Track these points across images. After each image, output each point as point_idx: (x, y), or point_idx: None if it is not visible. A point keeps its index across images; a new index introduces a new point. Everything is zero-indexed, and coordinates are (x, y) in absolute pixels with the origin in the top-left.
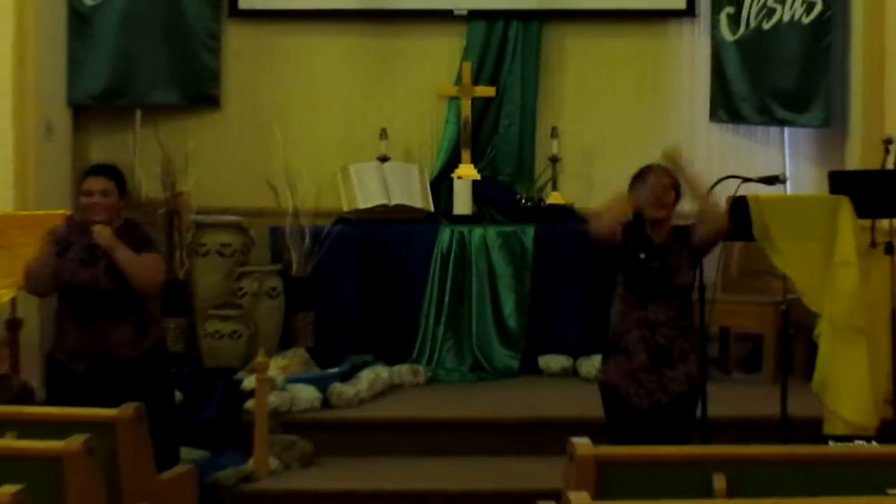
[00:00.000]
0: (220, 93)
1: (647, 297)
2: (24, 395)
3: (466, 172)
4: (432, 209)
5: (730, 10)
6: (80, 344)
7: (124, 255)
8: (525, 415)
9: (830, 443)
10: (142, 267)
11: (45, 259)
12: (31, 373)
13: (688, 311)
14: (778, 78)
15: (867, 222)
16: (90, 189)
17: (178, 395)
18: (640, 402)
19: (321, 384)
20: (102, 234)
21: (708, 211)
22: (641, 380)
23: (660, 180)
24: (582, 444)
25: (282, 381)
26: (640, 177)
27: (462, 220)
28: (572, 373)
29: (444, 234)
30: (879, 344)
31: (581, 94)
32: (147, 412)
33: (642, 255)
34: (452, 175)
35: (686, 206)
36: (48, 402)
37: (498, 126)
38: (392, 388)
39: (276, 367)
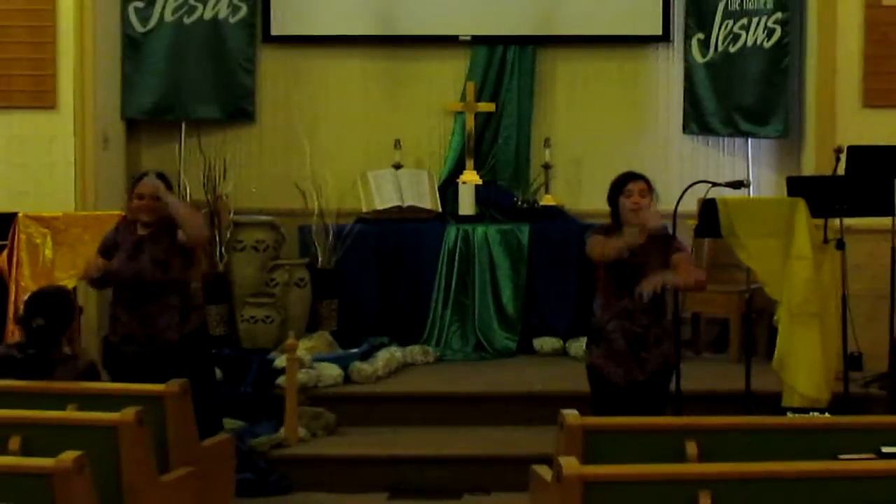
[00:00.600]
0: (255, 108)
1: (624, 289)
2: (90, 374)
3: (470, 178)
4: (440, 210)
5: (700, 35)
6: (130, 328)
7: (179, 206)
8: (521, 389)
9: (788, 414)
10: (193, 216)
11: (93, 266)
12: (90, 354)
13: (661, 301)
14: (742, 95)
15: (820, 221)
16: (142, 193)
17: (219, 373)
18: (618, 379)
19: (343, 363)
20: (159, 187)
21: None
22: (621, 362)
23: (637, 185)
24: (571, 415)
25: (309, 360)
26: (619, 185)
27: (466, 219)
28: (562, 353)
29: (451, 232)
30: (831, 328)
31: (571, 109)
32: (191, 387)
33: (626, 255)
34: (458, 180)
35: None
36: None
37: (498, 137)
38: (405, 367)
39: (304, 347)
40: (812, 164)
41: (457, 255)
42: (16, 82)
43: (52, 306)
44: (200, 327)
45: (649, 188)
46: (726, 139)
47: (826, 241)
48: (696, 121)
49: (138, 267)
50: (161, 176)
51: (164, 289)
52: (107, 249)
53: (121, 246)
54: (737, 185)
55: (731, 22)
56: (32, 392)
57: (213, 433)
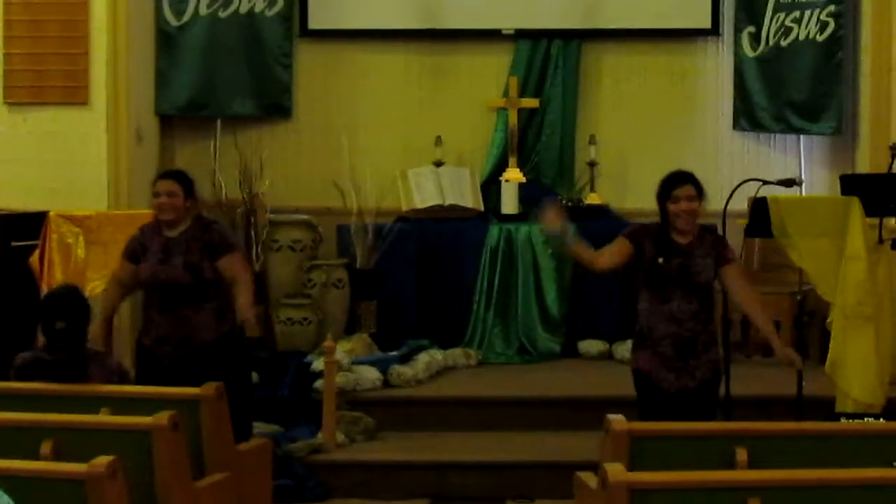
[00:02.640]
0: (292, 104)
1: (669, 293)
2: (123, 372)
3: (513, 176)
4: (482, 209)
5: (751, 29)
6: (165, 330)
7: (250, 297)
8: (566, 394)
9: (842, 419)
10: (248, 282)
11: (116, 278)
12: (122, 356)
13: (709, 305)
14: (794, 90)
15: (875, 220)
16: (158, 191)
17: (255, 376)
18: (668, 386)
19: (383, 366)
20: (248, 315)
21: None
22: (670, 367)
23: (685, 191)
24: (617, 420)
25: (347, 363)
26: (666, 188)
27: (509, 218)
28: (608, 356)
29: (493, 231)
30: (885, 330)
31: (616, 105)
32: (232, 389)
33: (660, 260)
34: (500, 178)
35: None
36: (137, 383)
37: (541, 134)
38: (446, 370)
39: (343, 350)
40: (867, 161)
41: (499, 255)
42: (48, 78)
43: (70, 306)
44: (235, 328)
45: (698, 191)
46: (778, 136)
47: (881, 241)
48: (747, 117)
49: (172, 272)
50: (181, 174)
51: (198, 290)
52: (133, 254)
53: (148, 248)
54: (788, 183)
55: (782, 15)
56: (64, 395)
57: (245, 437)
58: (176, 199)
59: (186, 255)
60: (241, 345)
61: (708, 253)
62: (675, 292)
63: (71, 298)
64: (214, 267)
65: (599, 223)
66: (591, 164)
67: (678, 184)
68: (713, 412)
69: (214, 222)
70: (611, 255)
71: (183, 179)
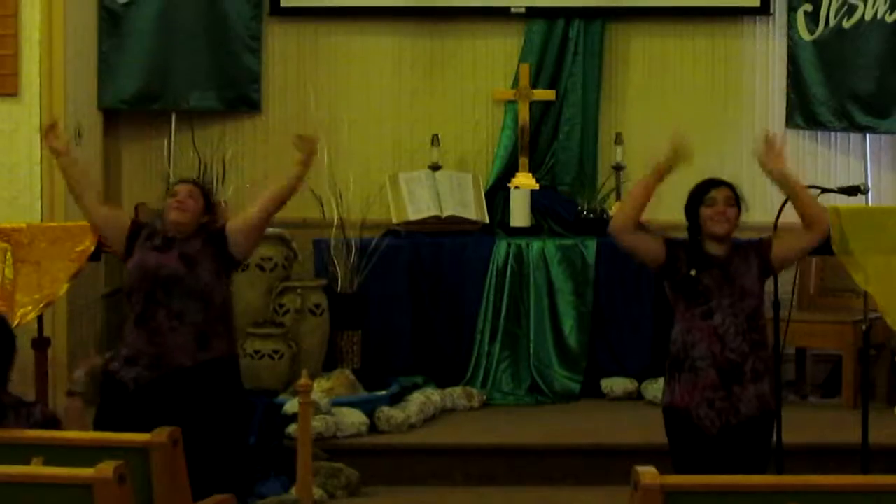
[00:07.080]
0: (260, 96)
1: (711, 307)
2: (48, 426)
3: (524, 182)
4: (487, 221)
5: (807, 7)
6: (136, 347)
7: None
8: (586, 441)
9: None
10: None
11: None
12: (60, 394)
13: (759, 325)
14: (859, 80)
15: None
16: (177, 191)
17: None
18: (710, 425)
19: (368, 408)
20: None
21: (809, 207)
22: (711, 399)
23: (722, 192)
24: (647, 472)
25: (326, 405)
26: (699, 192)
27: (519, 232)
28: (637, 396)
29: (500, 248)
30: None
31: (647, 98)
32: (208, 433)
33: (693, 272)
34: (509, 184)
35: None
36: (97, 421)
37: (558, 132)
38: (444, 413)
39: (321, 389)
40: None
41: (508, 275)
42: None
43: None
44: (224, 358)
45: (736, 198)
46: (839, 134)
47: None
48: (802, 112)
49: (164, 259)
50: (205, 186)
51: (187, 290)
52: (134, 227)
53: (149, 237)
54: (852, 190)
55: None
56: None
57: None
58: (196, 203)
59: (185, 247)
60: (231, 379)
61: (748, 257)
62: (717, 305)
63: None
64: (214, 272)
65: None
66: (617, 168)
67: (714, 186)
68: (763, 464)
69: None
70: (645, 239)
71: (206, 190)
